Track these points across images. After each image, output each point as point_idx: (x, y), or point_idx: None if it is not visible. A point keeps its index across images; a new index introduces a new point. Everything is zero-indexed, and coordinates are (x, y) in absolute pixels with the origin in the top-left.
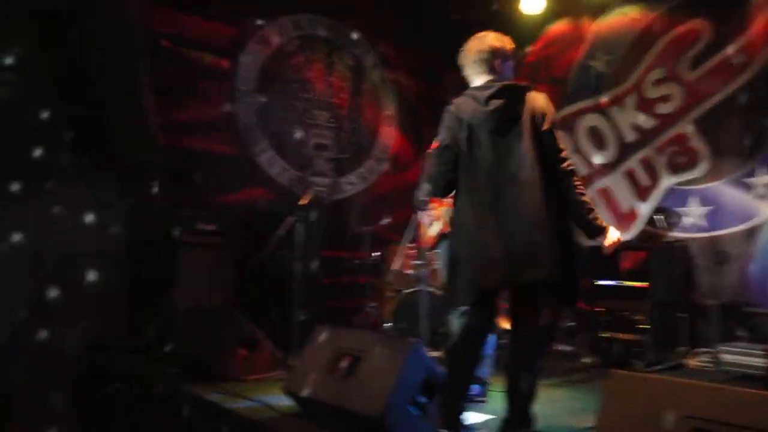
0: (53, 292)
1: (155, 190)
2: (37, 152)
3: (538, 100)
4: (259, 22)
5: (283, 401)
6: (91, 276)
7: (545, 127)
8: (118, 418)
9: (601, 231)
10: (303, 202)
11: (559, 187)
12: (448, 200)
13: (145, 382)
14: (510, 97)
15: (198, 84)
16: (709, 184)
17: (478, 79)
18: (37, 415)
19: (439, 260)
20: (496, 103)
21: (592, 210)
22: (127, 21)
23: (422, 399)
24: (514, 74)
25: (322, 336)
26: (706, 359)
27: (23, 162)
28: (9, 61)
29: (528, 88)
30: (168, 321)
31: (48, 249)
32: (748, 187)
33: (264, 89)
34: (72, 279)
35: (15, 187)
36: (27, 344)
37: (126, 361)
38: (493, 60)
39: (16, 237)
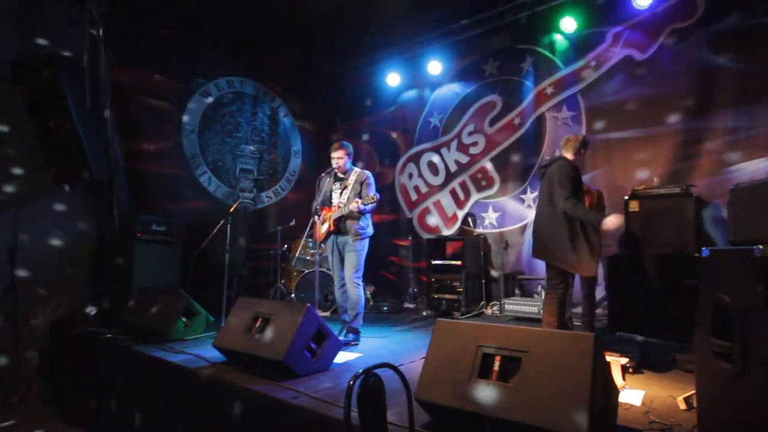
0: (29, 276)
1: (117, 199)
2: (22, 171)
3: None
4: (201, 80)
5: (214, 354)
6: (63, 264)
7: None
8: (83, 374)
9: None
10: (232, 209)
11: None
12: (333, 207)
13: (105, 344)
14: None
15: (156, 123)
16: (499, 198)
17: None
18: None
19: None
20: None
21: None
22: (95, 74)
23: (314, 345)
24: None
25: (243, 305)
26: (496, 308)
27: (13, 178)
28: None
29: None
30: (125, 297)
31: (28, 243)
32: (522, 201)
33: (205, 128)
34: (46, 267)
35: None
36: (8, 317)
37: (90, 329)
38: None
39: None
